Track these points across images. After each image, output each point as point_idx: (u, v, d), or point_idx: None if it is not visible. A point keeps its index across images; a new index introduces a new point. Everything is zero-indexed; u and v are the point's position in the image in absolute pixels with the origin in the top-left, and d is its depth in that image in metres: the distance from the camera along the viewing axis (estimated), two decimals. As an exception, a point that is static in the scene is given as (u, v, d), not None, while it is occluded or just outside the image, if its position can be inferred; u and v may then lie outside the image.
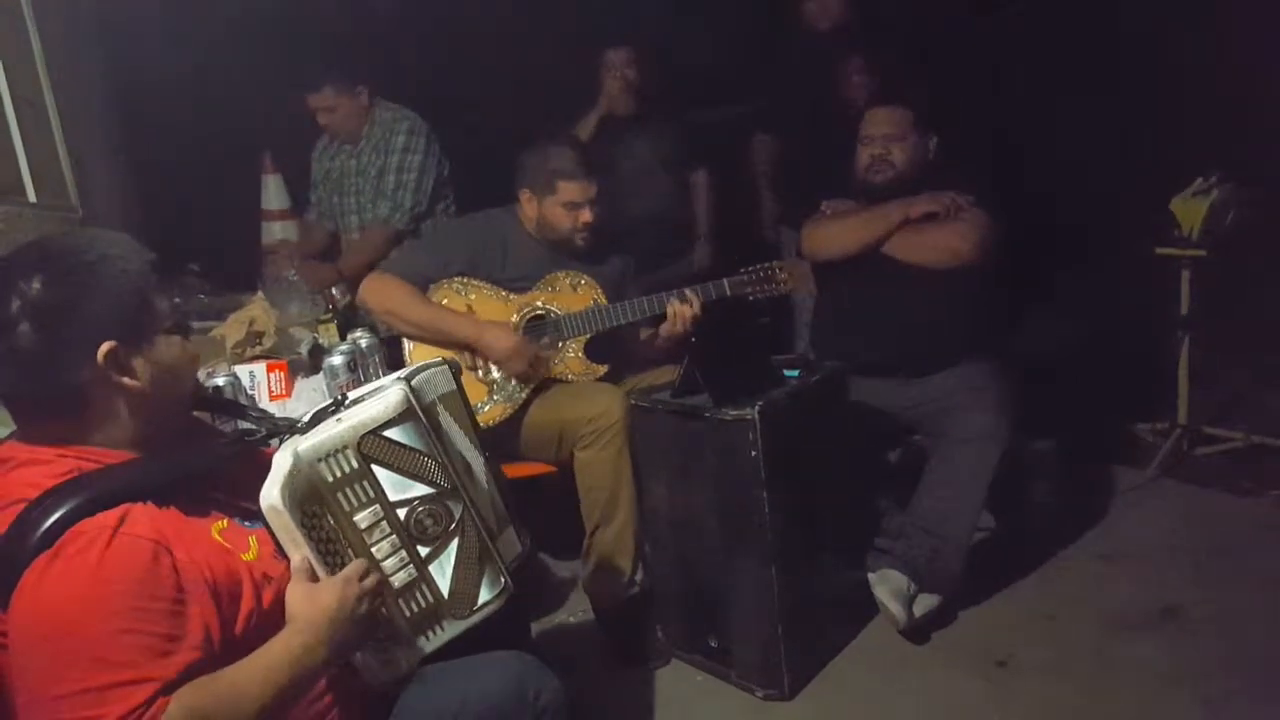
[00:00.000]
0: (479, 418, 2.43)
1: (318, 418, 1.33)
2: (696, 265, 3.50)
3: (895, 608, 2.33)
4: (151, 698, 1.04)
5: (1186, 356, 3.31)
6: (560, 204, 2.51)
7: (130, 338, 1.20)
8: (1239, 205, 3.15)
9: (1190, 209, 3.15)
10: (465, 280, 2.52)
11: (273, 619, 1.21)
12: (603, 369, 2.54)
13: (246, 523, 1.27)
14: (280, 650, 1.16)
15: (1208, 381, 3.39)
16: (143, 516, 1.13)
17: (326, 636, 1.18)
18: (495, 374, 2.50)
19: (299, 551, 1.23)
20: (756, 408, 2.12)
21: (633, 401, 2.37)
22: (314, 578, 1.23)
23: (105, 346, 1.17)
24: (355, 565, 1.24)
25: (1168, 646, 2.28)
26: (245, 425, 1.42)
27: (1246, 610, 2.38)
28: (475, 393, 2.48)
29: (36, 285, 1.15)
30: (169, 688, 1.05)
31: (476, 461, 1.50)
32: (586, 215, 2.52)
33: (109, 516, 1.10)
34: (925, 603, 2.38)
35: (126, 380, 1.20)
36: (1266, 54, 3.40)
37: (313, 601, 1.20)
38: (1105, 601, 2.49)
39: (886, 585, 2.36)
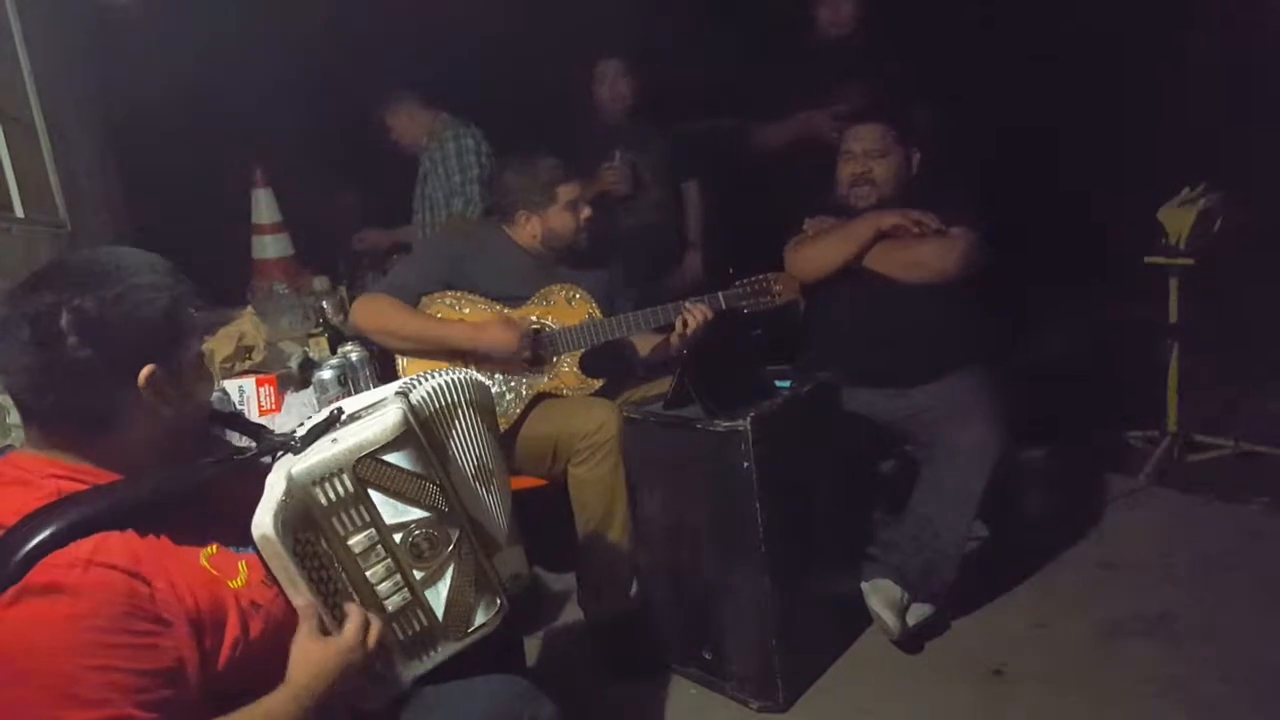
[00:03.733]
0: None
1: (312, 434, 1.30)
2: (688, 275, 3.51)
3: (889, 617, 2.33)
4: None
5: (1176, 364, 3.32)
6: (563, 209, 2.56)
7: (166, 362, 1.20)
8: (1226, 213, 3.17)
9: (1178, 218, 3.17)
10: (459, 295, 2.52)
11: (260, 649, 1.19)
12: (598, 383, 2.53)
13: (237, 548, 1.24)
14: (277, 710, 1.15)
15: (1197, 389, 3.41)
16: (119, 545, 1.10)
17: (321, 700, 1.18)
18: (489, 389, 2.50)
19: (291, 583, 1.20)
20: (749, 419, 2.12)
21: (625, 413, 2.37)
22: (322, 628, 1.21)
23: (146, 370, 1.17)
24: (356, 622, 1.22)
25: (1161, 653, 2.29)
26: (237, 443, 1.40)
27: (1238, 617, 2.39)
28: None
29: (83, 302, 1.13)
30: None
31: (498, 469, 1.47)
32: (586, 210, 2.60)
33: (81, 547, 1.07)
34: (919, 612, 2.38)
35: (160, 405, 1.19)
36: (1253, 63, 3.44)
37: (312, 661, 1.19)
38: (1098, 609, 2.50)
39: (880, 595, 2.36)
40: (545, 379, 2.52)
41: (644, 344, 2.69)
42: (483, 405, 1.49)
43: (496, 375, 2.51)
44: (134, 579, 1.08)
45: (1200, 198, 3.17)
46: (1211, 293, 3.27)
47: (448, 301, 2.52)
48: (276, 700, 1.15)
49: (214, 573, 1.18)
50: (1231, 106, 3.52)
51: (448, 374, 1.44)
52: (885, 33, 3.35)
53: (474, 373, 1.51)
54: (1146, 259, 3.22)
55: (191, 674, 1.11)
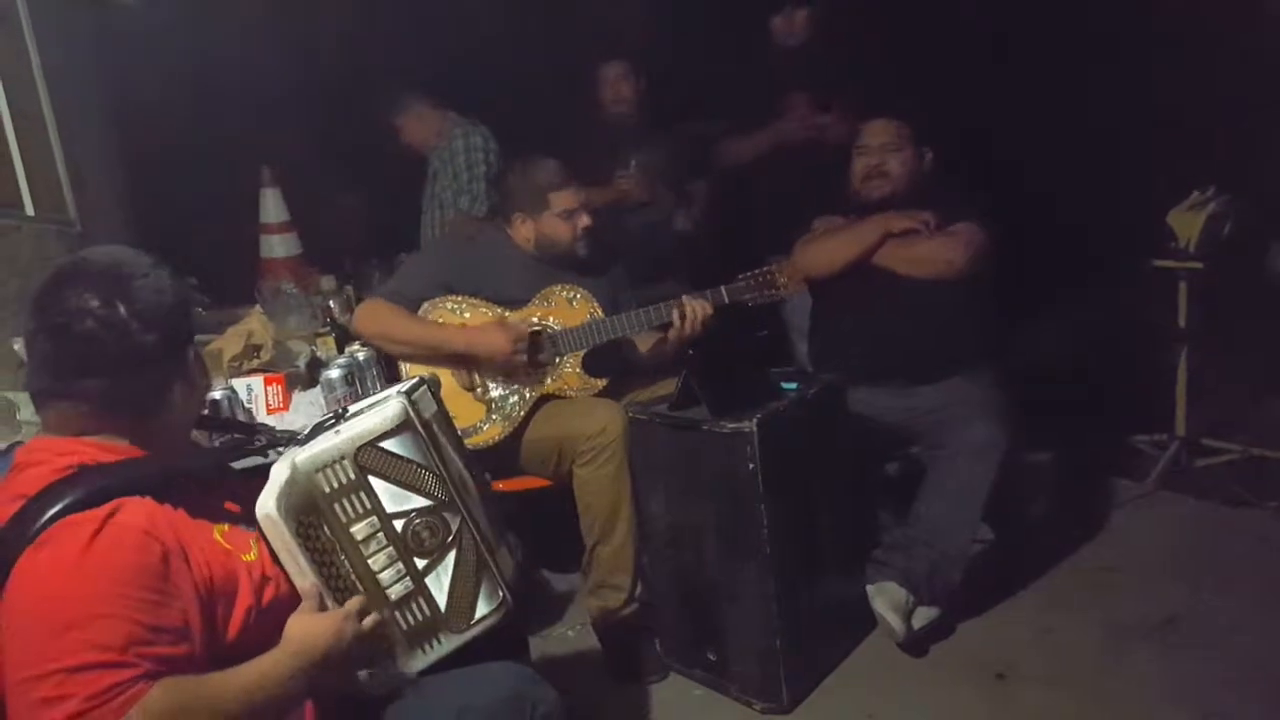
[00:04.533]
0: (479, 436, 2.46)
1: (317, 429, 1.34)
2: (693, 274, 3.51)
3: (894, 620, 2.32)
4: (130, 680, 1.04)
5: (1184, 368, 3.31)
6: (556, 215, 2.53)
7: (193, 339, 1.30)
8: (1235, 217, 3.16)
9: (1187, 221, 3.16)
10: (460, 299, 2.52)
11: (272, 617, 1.22)
12: (601, 383, 2.53)
13: (249, 527, 1.28)
14: (269, 668, 1.17)
15: (1206, 393, 3.40)
16: (138, 508, 1.14)
17: (315, 667, 1.20)
18: (494, 393, 2.50)
19: (294, 563, 1.23)
20: (754, 420, 2.12)
21: (630, 414, 2.37)
22: (323, 606, 1.25)
23: (192, 347, 1.28)
24: (356, 601, 1.26)
25: (1167, 659, 2.28)
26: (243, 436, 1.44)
27: (1246, 622, 2.37)
28: (474, 412, 2.48)
29: (134, 291, 1.21)
30: (150, 675, 1.06)
31: (468, 476, 1.49)
32: (585, 220, 2.56)
33: (100, 510, 1.12)
34: (924, 615, 2.38)
35: (201, 377, 1.31)
36: (1261, 67, 3.42)
37: (309, 631, 1.21)
38: (1104, 613, 2.49)
39: (885, 598, 2.36)
40: (549, 380, 2.52)
41: (643, 342, 2.68)
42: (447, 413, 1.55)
43: (500, 378, 2.51)
44: (148, 537, 1.12)
45: (1209, 201, 3.16)
46: (1220, 296, 3.26)
47: (449, 306, 2.52)
48: (270, 659, 1.18)
49: (227, 546, 1.22)
50: (1242, 109, 3.50)
51: (421, 382, 1.49)
52: (849, 40, 3.37)
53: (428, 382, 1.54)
54: (1156, 262, 3.22)
55: (196, 638, 1.13)
